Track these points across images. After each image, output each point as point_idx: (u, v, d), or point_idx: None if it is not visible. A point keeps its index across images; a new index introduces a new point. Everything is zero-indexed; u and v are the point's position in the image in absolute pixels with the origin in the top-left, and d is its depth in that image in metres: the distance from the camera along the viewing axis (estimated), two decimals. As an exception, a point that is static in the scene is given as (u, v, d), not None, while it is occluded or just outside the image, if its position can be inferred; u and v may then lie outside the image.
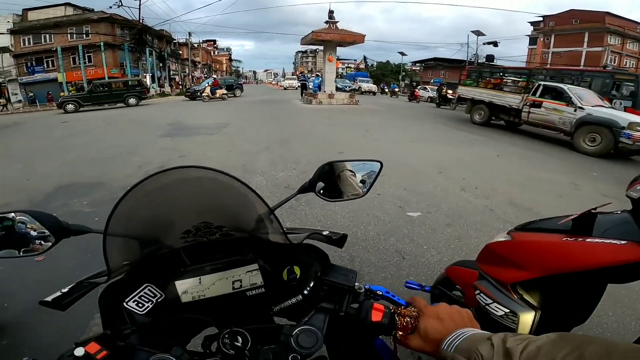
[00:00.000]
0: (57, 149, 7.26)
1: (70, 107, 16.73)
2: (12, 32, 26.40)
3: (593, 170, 6.02)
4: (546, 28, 35.71)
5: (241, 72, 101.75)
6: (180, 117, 12.02)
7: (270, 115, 12.49)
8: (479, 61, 32.79)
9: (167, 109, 16.31)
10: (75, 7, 29.08)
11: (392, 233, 3.18)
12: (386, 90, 33.46)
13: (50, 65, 27.88)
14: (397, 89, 31.89)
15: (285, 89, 37.79)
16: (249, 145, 6.97)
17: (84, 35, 27.62)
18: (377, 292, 0.68)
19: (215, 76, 25.43)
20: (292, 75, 60.43)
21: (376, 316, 0.59)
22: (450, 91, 18.83)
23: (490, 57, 33.96)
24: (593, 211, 1.03)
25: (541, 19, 36.24)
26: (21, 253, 0.62)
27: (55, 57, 27.41)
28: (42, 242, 0.62)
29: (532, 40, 37.94)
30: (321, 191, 0.79)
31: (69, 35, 27.43)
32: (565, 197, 4.43)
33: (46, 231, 0.61)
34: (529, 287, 1.09)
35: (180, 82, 38.88)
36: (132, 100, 18.16)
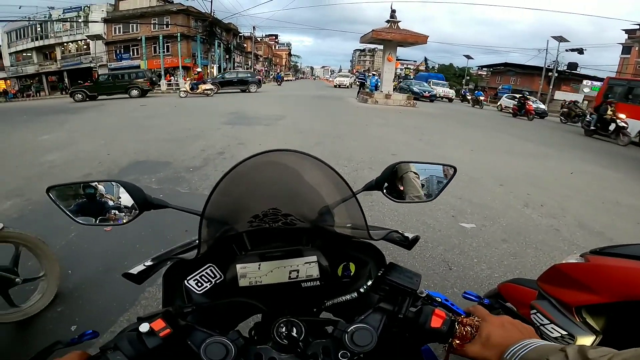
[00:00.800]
0: (135, 129, 8.08)
1: (78, 96, 17.50)
2: (105, 20, 29.69)
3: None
4: (643, 36, 31.37)
5: (299, 67, 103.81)
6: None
7: (324, 112, 12.63)
8: (559, 69, 29.92)
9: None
10: (158, -2, 31.94)
11: (441, 242, 3.05)
12: (468, 97, 27.22)
13: (135, 54, 30.99)
14: (482, 97, 24.87)
15: (336, 86, 35.60)
16: (303, 139, 7.13)
17: (165, 26, 30.19)
18: (436, 298, 0.66)
19: (199, 69, 20.91)
20: (348, 72, 57.72)
21: (436, 322, 0.58)
22: (622, 115, 10.74)
23: (573, 65, 30.80)
24: None
25: (638, 27, 31.89)
26: (97, 222, 0.68)
27: (140, 45, 30.39)
28: (117, 213, 0.67)
29: (626, 49, 33.67)
30: (386, 191, 0.77)
31: (152, 25, 30.19)
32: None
33: (122, 203, 0.66)
34: (595, 312, 1.04)
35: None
36: (134, 92, 18.35)
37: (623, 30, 34.21)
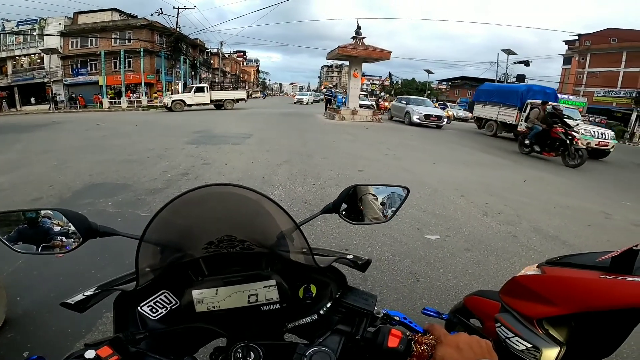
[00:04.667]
0: (91, 149, 7.65)
1: None
2: (62, 34, 28.23)
3: (626, 200, 5.75)
4: (582, 47, 34.45)
5: (268, 84, 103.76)
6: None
7: (292, 129, 12.68)
8: (509, 81, 32.19)
9: None
10: (121, 12, 30.87)
11: (407, 255, 3.12)
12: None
13: (94, 69, 29.57)
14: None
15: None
16: (270, 157, 7.07)
17: (127, 41, 29.13)
18: (395, 317, 0.67)
19: None
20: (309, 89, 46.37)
21: (392, 342, 0.58)
22: None
23: (521, 77, 33.31)
24: (635, 248, 0.97)
25: (576, 37, 35.06)
26: (40, 250, 0.63)
27: (99, 60, 29.08)
28: (64, 239, 0.63)
29: (567, 60, 36.73)
30: (344, 213, 0.79)
31: (113, 40, 29.01)
32: (595, 226, 4.25)
33: (70, 229, 0.63)
34: (556, 323, 1.05)
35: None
36: None
37: (563, 41, 37.32)
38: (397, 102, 19.03)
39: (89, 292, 0.62)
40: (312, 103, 41.61)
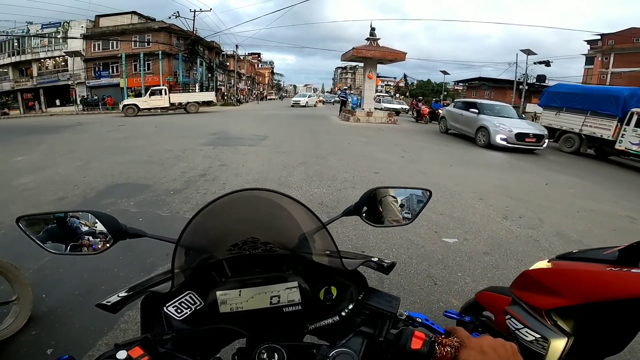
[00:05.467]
0: (113, 150, 7.89)
1: None
2: (84, 37, 29.11)
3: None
4: (604, 47, 33.32)
5: (282, 85, 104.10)
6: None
7: (307, 130, 12.73)
8: (529, 81, 31.25)
9: None
10: (140, 15, 31.69)
11: (425, 258, 3.08)
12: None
13: (115, 71, 30.38)
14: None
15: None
16: (286, 159, 7.11)
17: (146, 44, 29.85)
18: (417, 319, 0.67)
19: None
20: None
21: (416, 344, 0.58)
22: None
23: (541, 78, 32.31)
24: None
25: (599, 37, 33.89)
26: (68, 249, 0.65)
27: (120, 63, 29.83)
28: (91, 239, 0.66)
29: (589, 60, 35.61)
30: (364, 215, 0.80)
31: (132, 42, 29.80)
32: (620, 230, 4.11)
33: (97, 229, 0.65)
34: (564, 314, 1.08)
35: (225, 93, 40.54)
36: None
37: (585, 41, 36.13)
38: (456, 109, 12.86)
39: (123, 294, 0.64)
40: (315, 106, 34.55)
